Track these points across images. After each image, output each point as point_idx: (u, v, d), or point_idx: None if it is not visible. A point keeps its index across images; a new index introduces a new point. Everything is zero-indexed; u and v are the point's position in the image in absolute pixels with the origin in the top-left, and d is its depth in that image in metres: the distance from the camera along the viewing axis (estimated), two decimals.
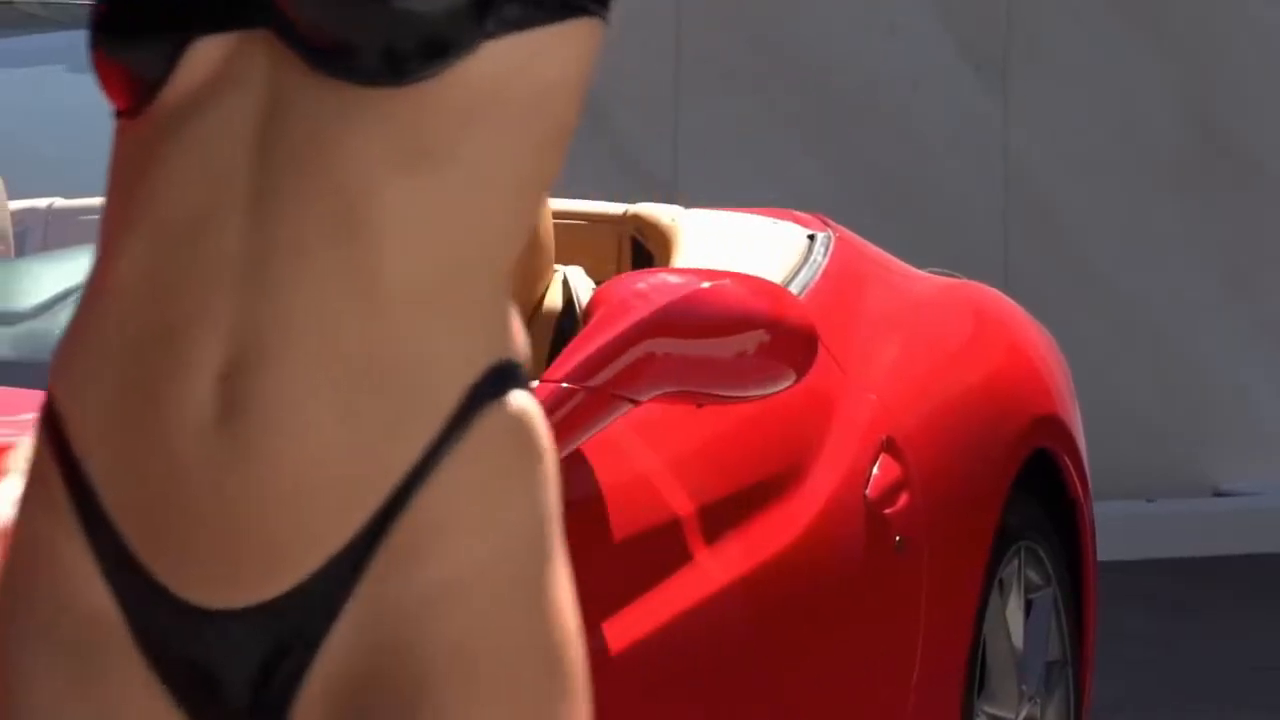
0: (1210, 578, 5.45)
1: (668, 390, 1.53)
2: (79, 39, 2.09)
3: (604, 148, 6.07)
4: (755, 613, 1.67)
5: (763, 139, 6.32)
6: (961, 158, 6.38)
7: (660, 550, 1.67)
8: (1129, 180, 6.52)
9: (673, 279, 1.55)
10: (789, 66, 6.33)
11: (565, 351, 1.50)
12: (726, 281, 1.56)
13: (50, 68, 2.20)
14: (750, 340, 1.53)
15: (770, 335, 1.55)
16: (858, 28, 6.35)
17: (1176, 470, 6.44)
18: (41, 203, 2.48)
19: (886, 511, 1.88)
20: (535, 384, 1.50)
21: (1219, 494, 6.54)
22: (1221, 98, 6.67)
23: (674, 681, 1.60)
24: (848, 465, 1.91)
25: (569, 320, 1.98)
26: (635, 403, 1.52)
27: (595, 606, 1.59)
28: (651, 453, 1.67)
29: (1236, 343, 6.60)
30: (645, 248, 2.14)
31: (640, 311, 1.50)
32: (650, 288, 1.52)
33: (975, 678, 1.99)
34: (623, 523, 1.61)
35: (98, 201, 2.41)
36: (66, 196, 2.54)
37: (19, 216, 2.34)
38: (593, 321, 1.53)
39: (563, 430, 1.44)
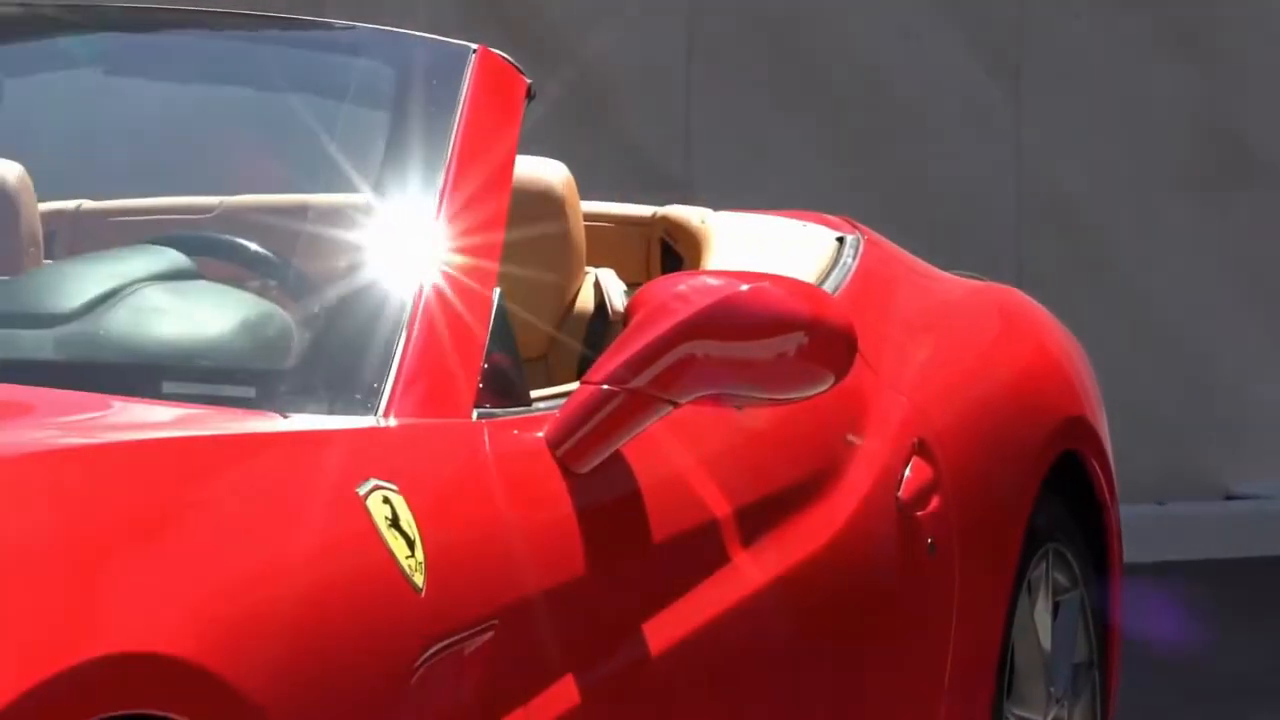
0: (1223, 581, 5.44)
1: (707, 393, 1.54)
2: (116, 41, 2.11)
3: (617, 147, 6.07)
4: (790, 615, 1.69)
5: (774, 139, 6.32)
6: (975, 158, 6.37)
7: (696, 552, 1.68)
8: (1145, 182, 6.50)
9: (712, 281, 1.55)
10: (802, 66, 6.32)
11: (605, 354, 1.51)
12: (766, 284, 1.57)
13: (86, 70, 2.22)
14: (790, 342, 1.53)
15: (809, 337, 1.56)
16: (871, 29, 6.34)
17: (1189, 473, 6.43)
18: (70, 204, 2.49)
19: (918, 514, 1.89)
20: (575, 385, 1.51)
21: (1230, 497, 6.53)
22: (1239, 98, 6.64)
23: (709, 683, 1.61)
24: (880, 468, 1.92)
25: (601, 322, 1.99)
26: (675, 405, 1.52)
27: (632, 609, 1.59)
28: (687, 454, 1.68)
29: (1252, 346, 6.57)
30: (674, 250, 2.16)
31: (680, 314, 1.50)
32: (690, 290, 1.52)
33: (1005, 681, 2.00)
34: (660, 525, 1.62)
35: (127, 204, 2.42)
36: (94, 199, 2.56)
37: (47, 218, 2.35)
38: (632, 324, 1.53)
39: (602, 433, 1.45)
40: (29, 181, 2.04)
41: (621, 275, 2.12)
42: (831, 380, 1.55)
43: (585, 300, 1.99)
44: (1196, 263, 6.56)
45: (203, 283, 1.62)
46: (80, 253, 2.14)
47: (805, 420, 1.90)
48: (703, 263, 2.09)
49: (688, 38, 6.27)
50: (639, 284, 2.22)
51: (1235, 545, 6.01)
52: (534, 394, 1.53)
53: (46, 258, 2.02)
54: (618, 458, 1.51)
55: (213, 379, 1.45)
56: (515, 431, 1.51)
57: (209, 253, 1.81)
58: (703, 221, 2.14)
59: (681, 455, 1.67)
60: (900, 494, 1.88)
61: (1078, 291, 6.36)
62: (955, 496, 1.93)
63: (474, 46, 1.83)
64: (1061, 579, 2.21)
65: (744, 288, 1.54)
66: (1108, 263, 6.45)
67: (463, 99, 1.70)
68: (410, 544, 1.25)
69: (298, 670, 0.99)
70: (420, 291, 1.52)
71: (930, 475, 1.91)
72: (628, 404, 1.40)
